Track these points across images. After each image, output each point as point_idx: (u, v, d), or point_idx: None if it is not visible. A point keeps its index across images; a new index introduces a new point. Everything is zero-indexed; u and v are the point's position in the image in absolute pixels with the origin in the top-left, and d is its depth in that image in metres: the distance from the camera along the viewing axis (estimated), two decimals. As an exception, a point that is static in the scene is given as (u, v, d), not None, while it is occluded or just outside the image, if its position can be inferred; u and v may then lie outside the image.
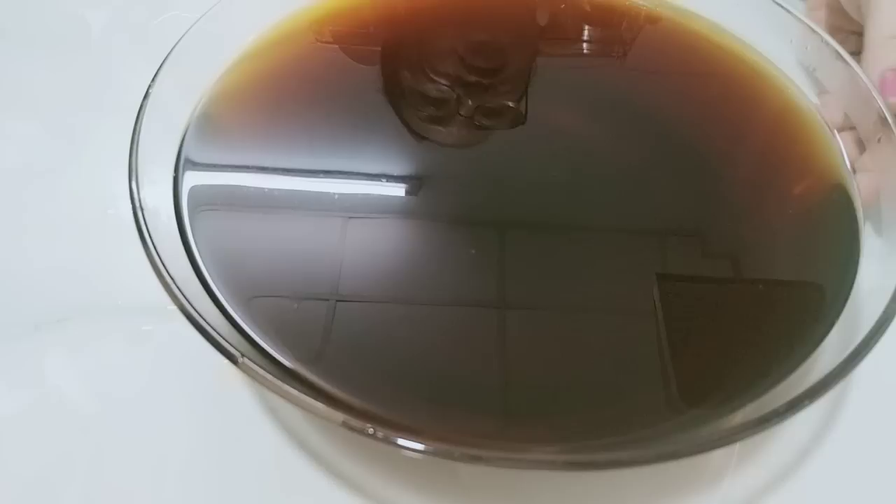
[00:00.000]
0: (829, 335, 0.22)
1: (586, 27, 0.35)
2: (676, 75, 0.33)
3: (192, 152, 0.27)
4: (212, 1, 0.29)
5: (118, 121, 0.26)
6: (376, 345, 0.23)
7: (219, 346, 0.20)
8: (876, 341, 0.21)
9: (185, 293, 0.21)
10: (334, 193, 0.28)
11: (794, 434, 0.25)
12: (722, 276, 0.26)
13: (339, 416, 0.19)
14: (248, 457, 0.24)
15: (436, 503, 0.23)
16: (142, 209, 0.23)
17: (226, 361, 0.20)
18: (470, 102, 0.30)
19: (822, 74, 0.30)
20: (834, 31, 0.33)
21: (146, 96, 0.26)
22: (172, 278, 0.21)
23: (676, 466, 0.23)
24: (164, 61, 0.27)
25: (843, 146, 0.29)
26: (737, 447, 0.24)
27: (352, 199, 0.27)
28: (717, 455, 0.24)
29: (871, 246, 0.25)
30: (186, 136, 0.28)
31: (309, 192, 0.28)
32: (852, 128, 0.29)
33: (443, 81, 0.32)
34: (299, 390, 0.19)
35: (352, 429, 0.19)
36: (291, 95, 0.30)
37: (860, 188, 0.27)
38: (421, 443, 0.18)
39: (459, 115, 0.30)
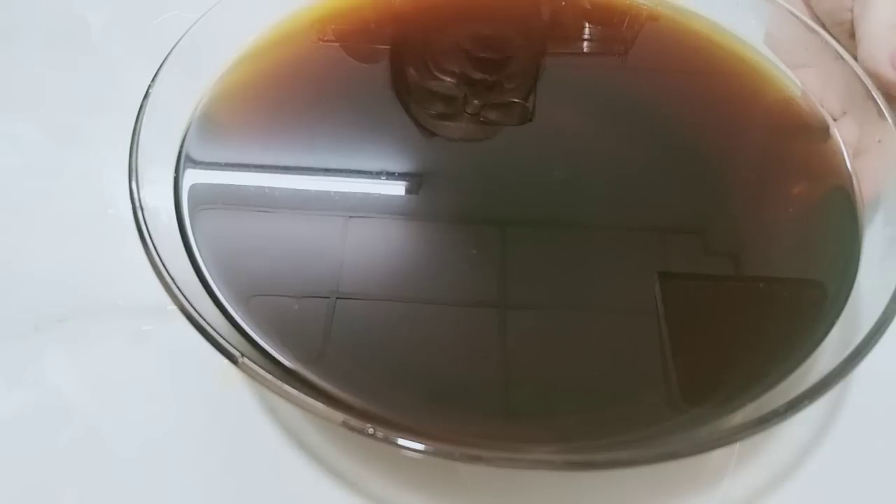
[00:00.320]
0: (829, 335, 0.22)
1: (587, 25, 0.35)
2: (677, 74, 0.33)
3: (192, 152, 0.27)
4: (212, 1, 0.29)
5: (118, 121, 0.26)
6: (377, 345, 0.23)
7: (219, 346, 0.20)
8: (876, 341, 0.20)
9: (185, 293, 0.21)
10: (335, 193, 0.28)
11: (794, 434, 0.25)
12: (723, 275, 0.26)
13: (339, 416, 0.19)
14: (249, 457, 0.24)
15: (436, 503, 0.23)
16: (142, 209, 0.23)
17: (226, 361, 0.20)
18: (476, 102, 0.30)
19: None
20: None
21: (146, 96, 0.26)
22: (172, 278, 0.21)
23: (676, 466, 0.23)
24: (164, 61, 0.27)
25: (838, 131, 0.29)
26: (737, 447, 0.24)
27: (352, 198, 0.27)
28: (717, 455, 0.24)
29: (872, 245, 0.25)
30: (187, 136, 0.28)
31: (309, 191, 0.28)
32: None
33: (448, 79, 0.32)
34: (299, 390, 0.19)
35: (352, 429, 0.19)
36: (292, 95, 0.30)
37: (856, 169, 0.27)
38: (421, 443, 0.18)
39: (466, 112, 0.30)
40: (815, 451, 0.24)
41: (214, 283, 0.24)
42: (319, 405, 0.19)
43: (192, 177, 0.27)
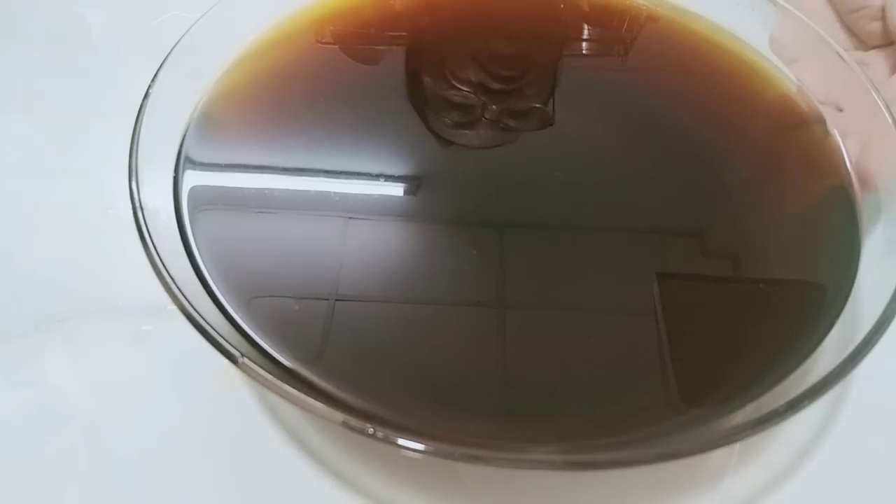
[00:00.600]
0: (829, 335, 0.22)
1: (585, 26, 0.35)
2: (676, 74, 0.33)
3: (192, 152, 0.27)
4: (212, 1, 0.29)
5: (118, 121, 0.26)
6: (376, 345, 0.23)
7: (219, 346, 0.20)
8: (876, 341, 0.20)
9: (185, 293, 0.21)
10: (335, 193, 0.28)
11: (794, 434, 0.25)
12: (722, 275, 0.26)
13: (339, 416, 0.19)
14: (248, 457, 0.24)
15: (436, 503, 0.23)
16: (142, 209, 0.23)
17: (226, 361, 0.20)
18: (494, 107, 0.30)
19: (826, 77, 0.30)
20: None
21: (146, 96, 0.26)
22: (172, 278, 0.21)
23: (676, 466, 0.23)
24: (164, 61, 0.27)
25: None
26: (737, 447, 0.24)
27: (352, 199, 0.27)
28: (717, 455, 0.24)
29: (872, 245, 0.25)
30: (187, 136, 0.28)
31: (309, 192, 0.28)
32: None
33: (464, 87, 0.32)
34: (299, 390, 0.19)
35: (352, 429, 0.19)
36: (292, 95, 0.30)
37: (848, 152, 0.27)
38: (421, 443, 0.18)
39: (484, 118, 0.30)
40: (815, 451, 0.24)
41: (214, 283, 0.24)
42: (319, 405, 0.19)
43: (191, 177, 0.27)
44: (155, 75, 0.26)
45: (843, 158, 0.28)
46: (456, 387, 0.23)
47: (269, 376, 0.19)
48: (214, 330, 0.20)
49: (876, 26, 0.31)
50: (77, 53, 0.37)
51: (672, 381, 0.23)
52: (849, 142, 0.28)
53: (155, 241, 0.22)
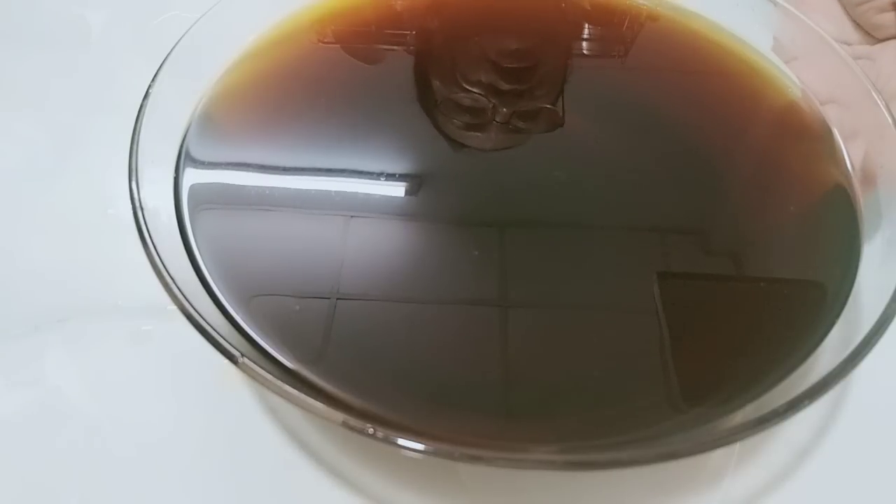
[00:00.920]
0: (829, 335, 0.22)
1: (585, 26, 0.35)
2: (677, 74, 0.33)
3: (192, 152, 0.27)
4: (212, 1, 0.29)
5: (118, 121, 0.26)
6: (377, 345, 0.23)
7: (219, 346, 0.20)
8: (876, 341, 0.20)
9: (185, 293, 0.21)
10: (336, 193, 0.28)
11: (794, 434, 0.25)
12: (723, 275, 0.26)
13: (339, 416, 0.19)
14: (248, 457, 0.24)
15: (436, 503, 0.23)
16: (142, 209, 0.23)
17: (226, 361, 0.20)
18: (499, 105, 0.30)
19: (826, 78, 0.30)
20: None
21: (146, 96, 0.26)
22: (172, 278, 0.21)
23: (676, 466, 0.23)
24: (164, 61, 0.27)
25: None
26: (737, 447, 0.24)
27: (353, 198, 0.27)
28: (717, 455, 0.24)
29: (872, 245, 0.25)
30: (187, 136, 0.28)
31: (309, 191, 0.28)
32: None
33: (460, 78, 0.32)
34: (299, 390, 0.19)
35: (352, 429, 0.19)
36: (292, 95, 0.30)
37: (851, 155, 0.27)
38: (421, 443, 0.18)
39: (495, 120, 0.30)
40: (815, 451, 0.24)
41: (214, 283, 0.24)
42: (319, 405, 0.19)
43: (192, 177, 0.27)
44: (155, 75, 0.26)
45: (844, 158, 0.28)
46: (456, 386, 0.23)
47: (269, 376, 0.19)
48: (214, 330, 0.20)
49: (883, 18, 0.30)
50: (77, 53, 0.37)
51: (672, 380, 0.23)
52: (849, 141, 0.28)
53: (155, 241, 0.22)
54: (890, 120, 0.26)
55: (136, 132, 0.25)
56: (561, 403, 0.23)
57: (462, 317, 0.24)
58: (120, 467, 0.24)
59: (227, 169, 0.28)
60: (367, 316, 0.24)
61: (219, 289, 0.23)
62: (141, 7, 0.39)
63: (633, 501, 0.24)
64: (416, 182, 0.28)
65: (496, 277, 0.25)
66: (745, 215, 0.27)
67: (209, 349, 0.20)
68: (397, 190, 0.28)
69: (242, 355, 0.20)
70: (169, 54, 0.27)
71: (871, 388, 0.25)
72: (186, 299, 0.21)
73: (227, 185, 0.27)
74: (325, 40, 0.33)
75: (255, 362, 0.20)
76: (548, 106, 0.31)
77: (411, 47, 0.33)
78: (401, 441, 0.18)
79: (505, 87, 0.31)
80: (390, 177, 0.28)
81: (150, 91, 0.26)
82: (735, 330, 0.24)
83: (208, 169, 0.27)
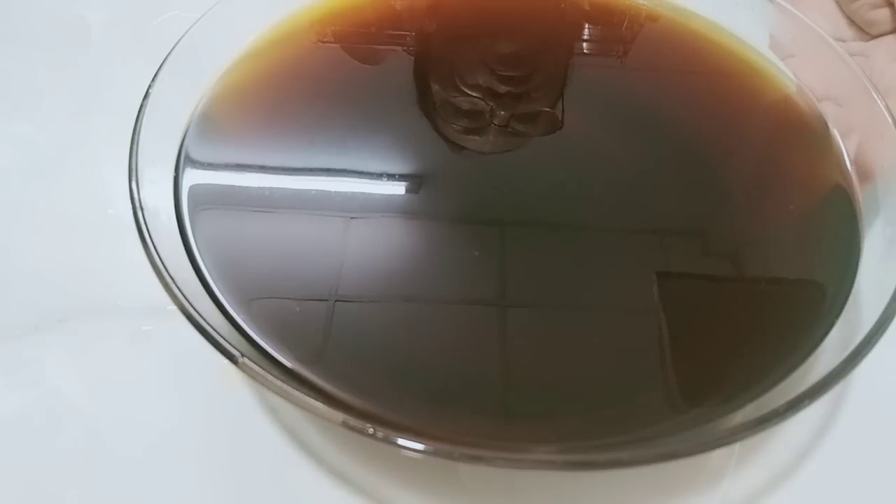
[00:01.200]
0: (829, 335, 0.22)
1: (585, 26, 0.35)
2: (677, 74, 0.33)
3: (192, 152, 0.27)
4: (212, 1, 0.29)
5: (118, 121, 0.26)
6: (377, 344, 0.23)
7: (219, 346, 0.20)
8: (876, 341, 0.20)
9: (185, 293, 0.21)
10: (336, 193, 0.28)
11: (794, 434, 0.25)
12: (722, 275, 0.26)
13: (339, 416, 0.19)
14: (248, 457, 0.24)
15: (436, 503, 0.23)
16: (142, 209, 0.23)
17: (226, 361, 0.20)
18: (497, 108, 0.30)
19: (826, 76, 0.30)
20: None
21: (146, 96, 0.26)
22: (172, 278, 0.21)
23: (676, 466, 0.23)
24: (164, 61, 0.27)
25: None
26: (737, 447, 0.24)
27: (353, 198, 0.27)
28: (717, 455, 0.24)
29: (872, 245, 0.25)
30: (187, 136, 0.28)
31: (310, 191, 0.28)
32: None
33: (458, 81, 0.32)
34: (299, 390, 0.19)
35: (352, 429, 0.19)
36: (292, 95, 0.30)
37: (847, 149, 0.27)
38: (421, 443, 0.18)
39: (493, 123, 0.30)
40: (815, 451, 0.24)
41: (214, 283, 0.24)
42: (319, 405, 0.19)
43: (192, 177, 0.27)
44: (155, 75, 0.26)
45: (844, 157, 0.28)
46: (456, 386, 0.23)
47: (269, 376, 0.19)
48: (214, 330, 0.20)
49: (877, 15, 0.31)
50: (77, 53, 0.37)
51: (672, 380, 0.23)
52: (848, 139, 0.28)
53: (155, 241, 0.22)
54: (889, 118, 0.26)
55: (136, 132, 0.25)
56: (561, 403, 0.23)
57: (462, 317, 0.24)
58: (120, 467, 0.24)
59: (227, 169, 0.28)
60: (367, 316, 0.24)
61: (219, 289, 0.23)
62: (141, 7, 0.39)
63: (633, 501, 0.24)
64: (415, 183, 0.28)
65: (495, 278, 0.25)
66: (746, 215, 0.27)
67: (209, 349, 0.20)
68: (396, 191, 0.28)
69: (242, 355, 0.20)
70: (169, 54, 0.27)
71: (871, 388, 0.25)
72: (186, 299, 0.21)
73: (227, 185, 0.27)
74: (325, 40, 0.33)
75: (255, 362, 0.20)
76: (546, 109, 0.31)
77: (411, 48, 0.33)
78: (401, 441, 0.18)
79: (502, 90, 0.31)
80: (389, 178, 0.28)
81: (150, 91, 0.26)
82: (735, 330, 0.24)
83: (208, 169, 0.27)
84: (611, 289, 0.25)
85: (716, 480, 0.24)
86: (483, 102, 0.31)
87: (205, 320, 0.20)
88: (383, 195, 0.27)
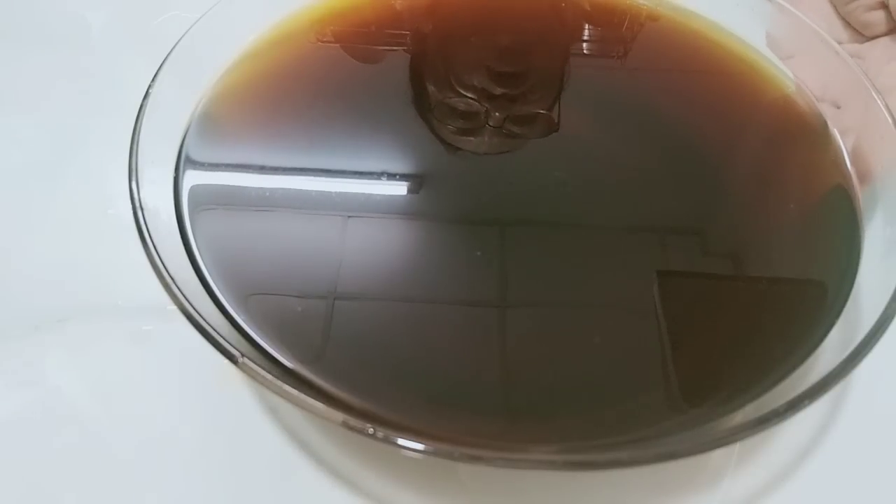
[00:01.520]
0: (829, 335, 0.22)
1: (585, 26, 0.35)
2: (676, 73, 0.33)
3: (192, 152, 0.27)
4: (212, 1, 0.29)
5: (118, 121, 0.26)
6: (377, 344, 0.23)
7: (219, 346, 0.20)
8: (876, 341, 0.20)
9: (185, 293, 0.21)
10: (335, 193, 0.28)
11: (794, 434, 0.25)
12: (722, 275, 0.26)
13: (339, 416, 0.19)
14: (248, 457, 0.24)
15: (436, 503, 0.23)
16: (142, 209, 0.23)
17: (226, 361, 0.20)
18: (492, 110, 0.30)
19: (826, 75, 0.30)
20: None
21: (146, 96, 0.26)
22: (172, 278, 0.21)
23: (676, 466, 0.23)
24: (164, 61, 0.27)
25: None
26: (737, 447, 0.24)
27: (353, 198, 0.27)
28: (717, 455, 0.24)
29: (872, 245, 0.25)
30: (187, 136, 0.28)
31: (310, 191, 0.28)
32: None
33: (454, 82, 0.32)
34: (299, 390, 0.19)
35: (352, 429, 0.19)
36: (292, 95, 0.30)
37: (847, 149, 0.27)
38: (421, 443, 0.18)
39: (488, 124, 0.30)
40: (815, 451, 0.24)
41: (214, 283, 0.24)
42: (319, 405, 0.19)
43: (192, 177, 0.27)
44: (155, 75, 0.26)
45: (844, 157, 0.28)
46: (456, 386, 0.23)
47: (269, 376, 0.19)
48: (214, 330, 0.20)
49: (872, 16, 0.31)
50: (77, 53, 0.37)
51: (672, 380, 0.23)
52: (847, 138, 0.28)
53: (155, 241, 0.22)
54: (889, 118, 0.26)
55: (136, 132, 0.25)
56: (561, 403, 0.23)
57: (462, 317, 0.24)
58: (120, 467, 0.24)
59: (227, 169, 0.28)
60: (367, 316, 0.24)
61: (219, 289, 0.23)
62: (141, 7, 0.39)
63: (633, 501, 0.24)
64: (413, 183, 0.28)
65: (495, 278, 0.25)
66: (746, 215, 0.27)
67: (209, 349, 0.20)
68: (395, 190, 0.28)
69: (242, 355, 0.20)
70: (169, 54, 0.27)
71: (871, 388, 0.25)
72: (186, 299, 0.21)
73: (227, 185, 0.27)
74: (325, 40, 0.33)
75: (255, 362, 0.20)
76: (542, 111, 0.31)
77: (411, 48, 0.33)
78: (401, 441, 0.18)
79: (498, 91, 0.31)
80: (388, 177, 0.28)
81: (150, 91, 0.26)
82: (735, 330, 0.24)
83: (208, 169, 0.27)
84: (610, 288, 0.25)
85: (716, 480, 0.24)
86: (478, 104, 0.31)
87: (205, 320, 0.20)
88: (381, 195, 0.27)
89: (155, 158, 0.25)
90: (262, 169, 0.28)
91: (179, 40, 0.28)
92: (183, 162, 0.27)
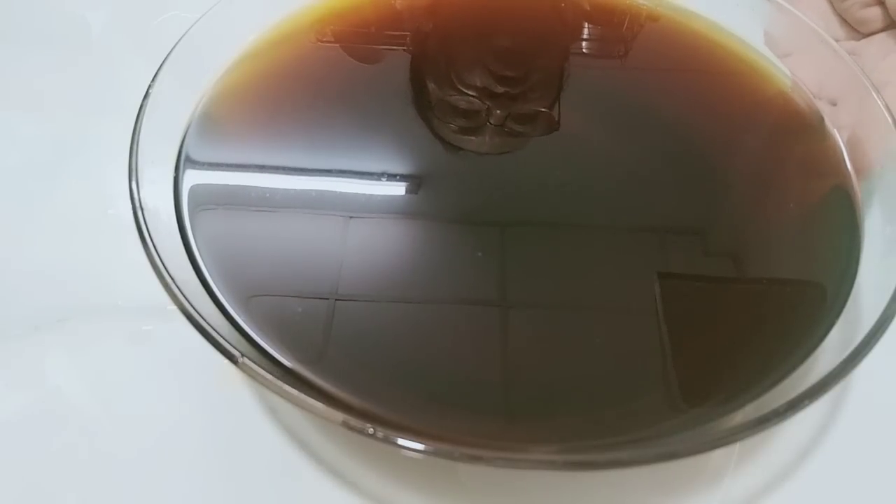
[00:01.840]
0: (829, 335, 0.22)
1: (585, 26, 0.35)
2: (676, 73, 0.33)
3: (192, 152, 0.27)
4: (212, 1, 0.29)
5: (118, 121, 0.26)
6: (377, 344, 0.23)
7: (219, 346, 0.20)
8: (876, 341, 0.20)
9: (185, 293, 0.21)
10: (335, 193, 0.28)
11: (794, 434, 0.25)
12: (722, 275, 0.26)
13: (339, 416, 0.19)
14: (248, 457, 0.24)
15: (436, 503, 0.23)
16: (142, 209, 0.23)
17: (226, 361, 0.20)
18: (498, 112, 0.30)
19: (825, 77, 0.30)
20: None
21: (146, 96, 0.26)
22: (172, 278, 0.21)
23: (676, 466, 0.23)
24: (164, 61, 0.27)
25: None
26: (737, 447, 0.24)
27: (353, 198, 0.27)
28: (717, 455, 0.24)
29: (872, 245, 0.25)
30: (187, 136, 0.28)
31: (310, 191, 0.28)
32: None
33: (455, 80, 0.32)
34: (299, 390, 0.19)
35: (352, 429, 0.19)
36: (292, 95, 0.30)
37: (845, 146, 0.27)
38: (421, 443, 0.18)
39: (489, 123, 0.30)
40: (815, 451, 0.24)
41: (214, 283, 0.24)
42: (319, 405, 0.19)
43: (192, 177, 0.27)
44: (155, 75, 0.26)
45: (843, 156, 0.28)
46: (456, 386, 0.23)
47: (269, 376, 0.19)
48: (214, 330, 0.20)
49: (868, 13, 0.31)
50: (77, 53, 0.37)
51: (672, 380, 0.23)
52: (844, 134, 0.28)
53: (155, 241, 0.22)
54: (888, 116, 0.26)
55: (136, 132, 0.25)
56: (561, 403, 0.23)
57: (462, 317, 0.24)
58: (120, 467, 0.24)
59: (227, 169, 0.28)
60: (367, 316, 0.24)
61: (218, 289, 0.23)
62: (141, 7, 0.39)
63: (633, 501, 0.24)
64: (414, 183, 0.28)
65: (495, 278, 0.25)
66: (745, 214, 0.27)
67: (209, 349, 0.20)
68: (396, 191, 0.28)
69: (242, 355, 0.20)
70: (169, 54, 0.27)
71: (871, 388, 0.25)
72: (186, 299, 0.21)
73: (227, 185, 0.27)
74: (325, 40, 0.33)
75: (255, 362, 0.20)
76: (542, 109, 0.31)
77: (411, 48, 0.33)
78: (401, 441, 0.18)
79: (499, 90, 0.31)
80: (389, 178, 0.28)
81: (150, 91, 0.26)
82: (735, 330, 0.24)
83: (208, 169, 0.27)
84: (611, 289, 0.25)
85: (716, 480, 0.24)
86: (479, 102, 0.31)
87: (205, 320, 0.20)
88: (382, 195, 0.27)
89: (155, 158, 0.25)
90: (263, 169, 0.28)
91: (179, 40, 0.28)
92: (183, 162, 0.27)
